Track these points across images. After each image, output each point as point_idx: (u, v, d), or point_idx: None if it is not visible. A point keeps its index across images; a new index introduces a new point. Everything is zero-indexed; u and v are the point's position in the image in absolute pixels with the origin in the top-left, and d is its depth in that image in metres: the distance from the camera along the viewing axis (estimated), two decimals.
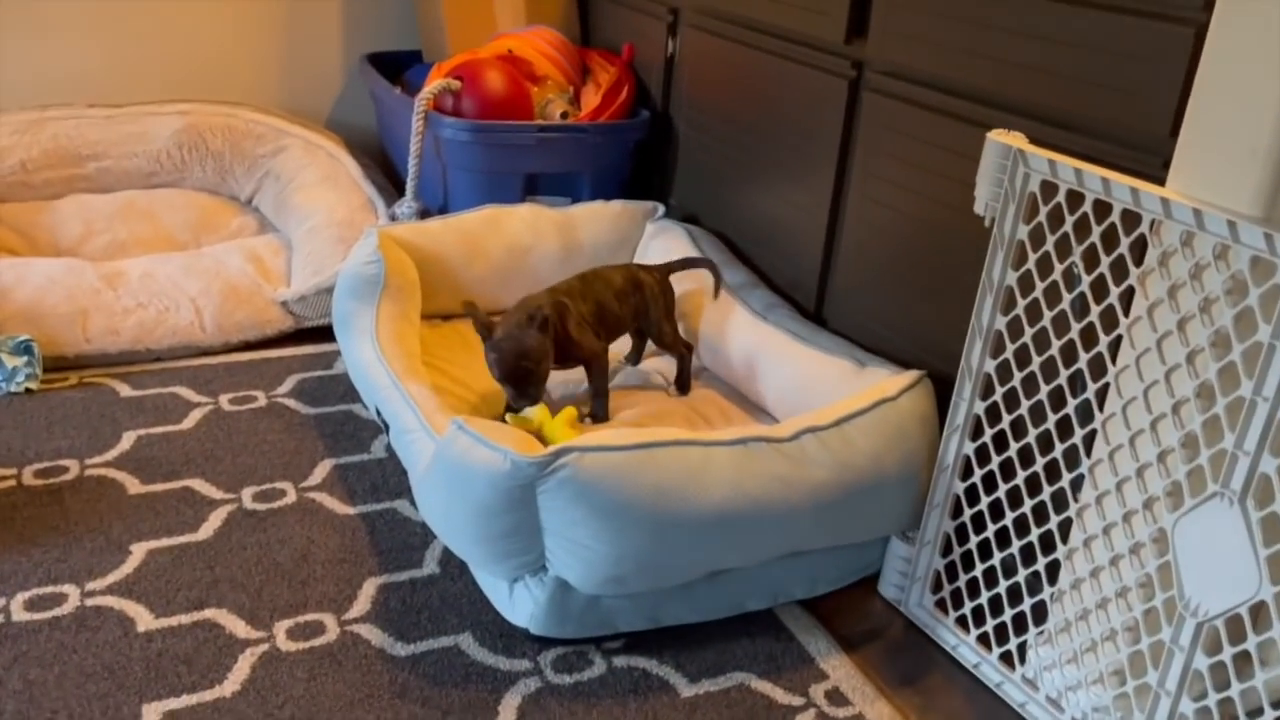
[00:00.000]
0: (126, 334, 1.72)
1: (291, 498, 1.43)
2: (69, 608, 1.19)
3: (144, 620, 1.18)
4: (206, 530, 1.35)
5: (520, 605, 1.20)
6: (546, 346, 1.38)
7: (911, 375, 1.34)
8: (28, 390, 1.61)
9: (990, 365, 1.17)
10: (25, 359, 1.61)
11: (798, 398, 1.46)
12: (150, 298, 1.77)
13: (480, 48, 2.14)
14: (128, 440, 1.52)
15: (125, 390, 1.65)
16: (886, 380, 1.33)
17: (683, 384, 1.63)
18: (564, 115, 2.03)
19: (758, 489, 1.15)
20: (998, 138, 1.11)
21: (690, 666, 1.19)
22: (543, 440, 1.34)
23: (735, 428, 1.27)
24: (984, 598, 1.21)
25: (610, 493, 1.10)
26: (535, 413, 1.41)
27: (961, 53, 1.30)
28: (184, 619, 1.19)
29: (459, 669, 1.16)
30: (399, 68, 2.36)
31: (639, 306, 1.60)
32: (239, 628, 1.19)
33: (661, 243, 1.85)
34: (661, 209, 1.94)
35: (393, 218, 2.00)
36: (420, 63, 2.37)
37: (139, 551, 1.29)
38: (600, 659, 1.19)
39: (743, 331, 1.61)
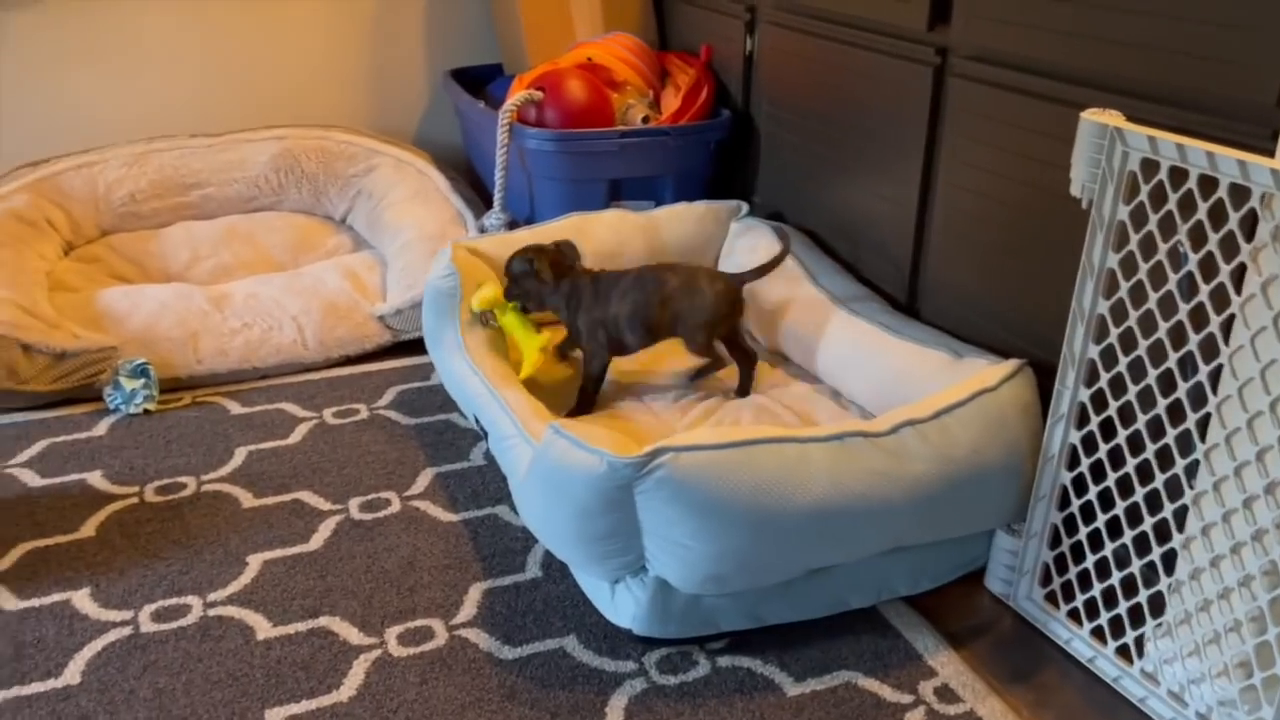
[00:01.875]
0: (234, 354, 1.79)
1: (396, 507, 1.46)
2: (193, 618, 1.24)
3: (263, 629, 1.23)
4: (317, 541, 1.39)
5: (622, 606, 1.21)
6: (541, 273, 1.56)
7: (1011, 364, 1.31)
8: (146, 411, 1.68)
9: (1094, 351, 1.13)
10: (143, 381, 1.69)
11: (893, 392, 1.44)
12: (255, 318, 1.84)
13: (560, 58, 2.16)
14: (240, 456, 1.58)
15: (235, 408, 1.71)
16: (985, 370, 1.31)
17: (743, 390, 1.62)
18: (645, 119, 2.04)
19: (857, 484, 1.14)
20: (1093, 117, 1.08)
21: (795, 665, 1.19)
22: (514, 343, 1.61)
23: (831, 423, 1.26)
24: (1097, 590, 1.18)
25: (707, 491, 1.10)
26: (512, 318, 1.60)
27: (1050, 32, 1.27)
28: (300, 627, 1.23)
29: (565, 671, 1.17)
30: (481, 82, 2.41)
31: (681, 313, 1.55)
32: (352, 634, 1.22)
33: (747, 241, 1.85)
34: (746, 208, 1.93)
35: (482, 229, 2.04)
36: (501, 76, 2.41)
37: (255, 563, 1.34)
38: (704, 659, 1.20)
39: (833, 326, 1.59)
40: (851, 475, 1.14)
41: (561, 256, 1.60)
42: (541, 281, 1.57)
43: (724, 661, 1.19)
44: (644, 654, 1.20)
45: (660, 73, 2.19)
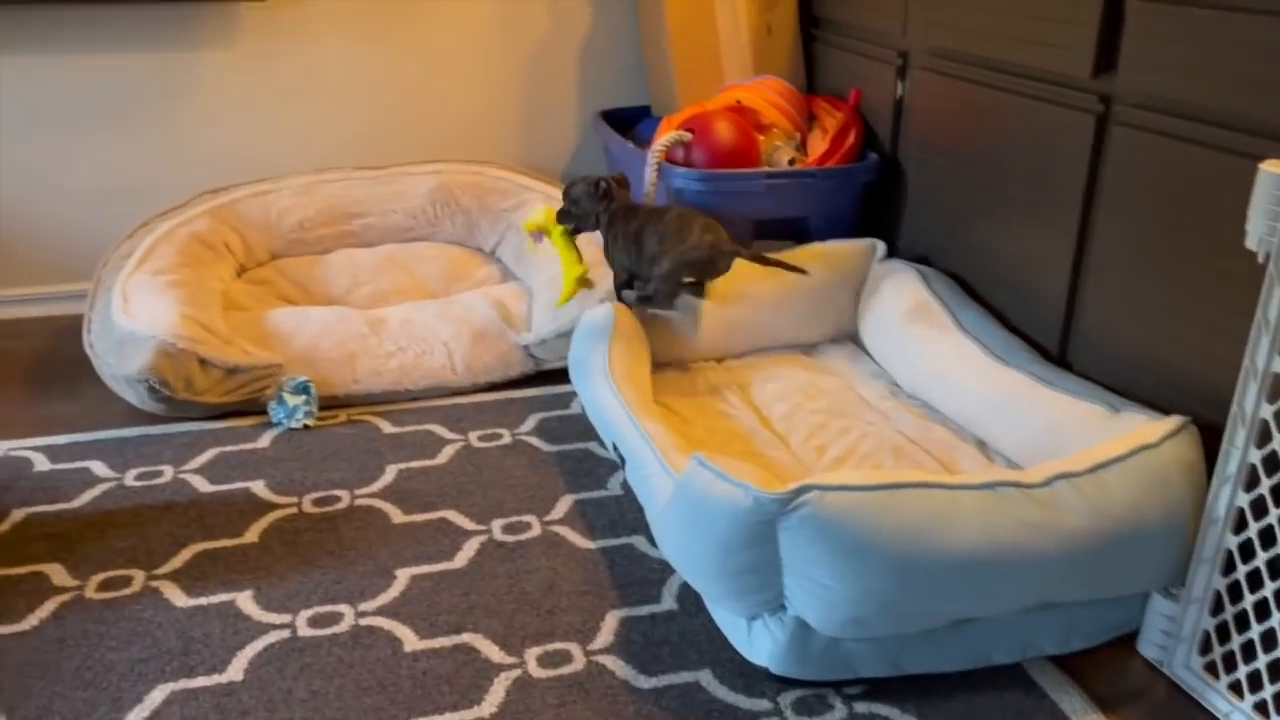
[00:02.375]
0: (388, 375, 1.87)
1: (536, 530, 1.50)
2: (345, 626, 1.30)
3: (410, 641, 1.27)
4: (461, 559, 1.44)
5: (759, 644, 1.21)
6: (612, 190, 1.79)
7: (1174, 421, 1.26)
8: (305, 426, 1.77)
9: (1268, 411, 1.09)
10: (304, 398, 1.78)
11: (1044, 444, 1.41)
12: (409, 342, 1.92)
13: (709, 100, 2.20)
14: (390, 473, 1.65)
15: (387, 427, 1.79)
16: (1145, 426, 1.27)
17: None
18: (791, 161, 2.05)
19: (1007, 535, 1.12)
20: (1272, 168, 1.05)
21: (935, 717, 1.16)
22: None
23: (977, 472, 1.24)
24: (1262, 662, 1.12)
25: (852, 532, 1.09)
26: (561, 241, 1.82)
27: (1225, 80, 1.24)
28: (444, 641, 1.27)
29: (700, 705, 1.18)
30: (628, 123, 2.47)
31: (663, 249, 1.70)
32: (493, 652, 1.26)
33: (891, 284, 1.84)
34: (883, 247, 1.92)
35: None
36: (649, 117, 2.46)
37: (403, 577, 1.40)
38: (841, 703, 1.18)
39: (980, 374, 1.57)
40: (1003, 525, 1.12)
41: (621, 181, 1.83)
42: (606, 197, 1.78)
43: (861, 708, 1.18)
44: (779, 694, 1.20)
45: (808, 116, 2.21)
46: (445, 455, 1.70)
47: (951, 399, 1.63)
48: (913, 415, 1.67)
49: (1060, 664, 1.25)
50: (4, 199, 2.25)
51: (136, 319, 1.78)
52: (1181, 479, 1.21)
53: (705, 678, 1.22)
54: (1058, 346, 1.60)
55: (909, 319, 1.75)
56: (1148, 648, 1.25)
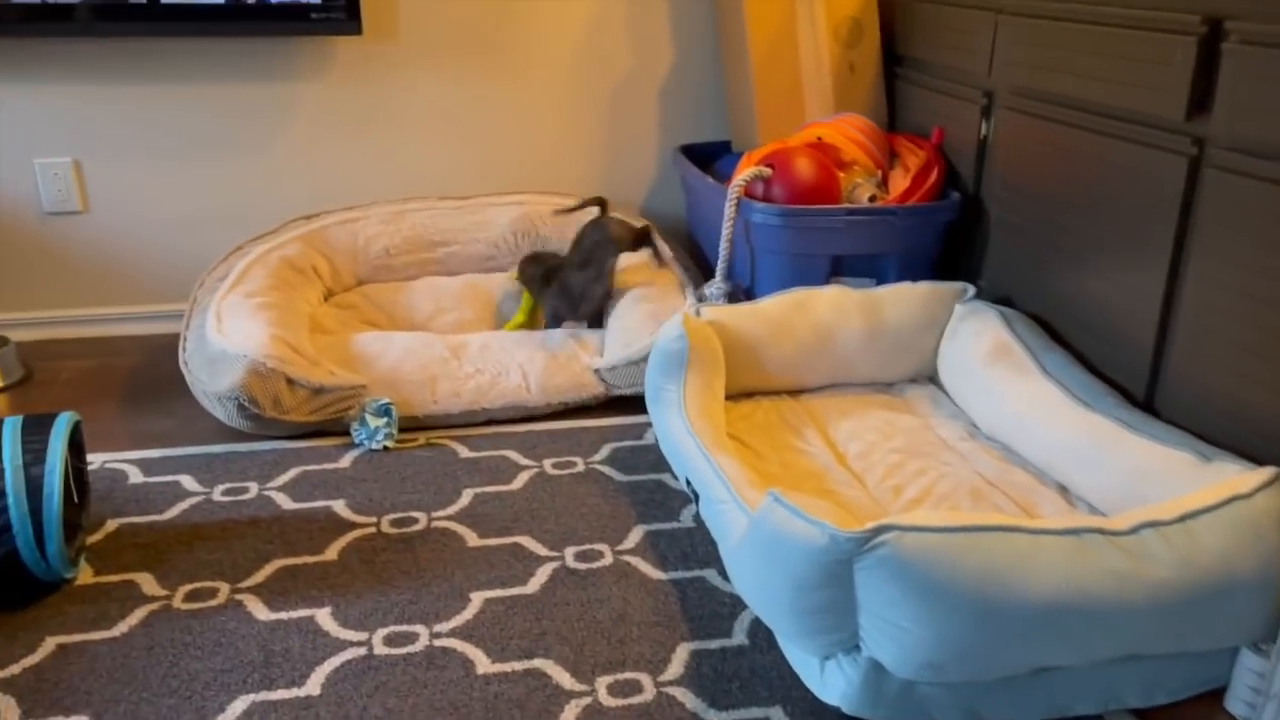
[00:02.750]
0: (466, 396, 1.90)
1: (608, 559, 1.51)
2: (420, 646, 1.32)
3: (482, 663, 1.29)
4: (534, 584, 1.45)
5: (832, 683, 1.19)
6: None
7: (1269, 471, 1.23)
8: (385, 448, 1.81)
9: None
10: (385, 420, 1.82)
11: (1129, 491, 1.38)
12: (486, 365, 1.96)
13: (790, 136, 2.21)
14: (466, 497, 1.67)
15: (464, 451, 1.82)
16: (1238, 476, 1.23)
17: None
18: (871, 199, 2.05)
19: (1091, 583, 1.10)
20: None
21: None
22: None
23: (1064, 516, 1.22)
24: None
25: (931, 574, 1.08)
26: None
27: None
28: (516, 666, 1.29)
29: None
30: (707, 158, 2.49)
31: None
32: (564, 679, 1.26)
33: (972, 324, 1.82)
34: (971, 290, 1.90)
35: (701, 298, 2.09)
36: (728, 153, 2.48)
37: (477, 600, 1.42)
38: None
39: (1064, 418, 1.54)
40: (1087, 573, 1.10)
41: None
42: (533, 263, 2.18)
43: None
44: None
45: (889, 153, 2.21)
46: (520, 481, 1.72)
47: (1032, 442, 1.60)
48: (992, 457, 1.64)
49: (1143, 718, 1.21)
50: (108, 222, 2.35)
51: (229, 338, 1.85)
52: (1275, 531, 1.17)
53: (776, 715, 1.21)
54: (1144, 392, 1.56)
55: (990, 360, 1.73)
56: (1235, 704, 1.21)
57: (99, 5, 2.10)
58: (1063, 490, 1.54)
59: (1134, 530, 1.14)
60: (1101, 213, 1.63)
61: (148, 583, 1.44)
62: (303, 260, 2.16)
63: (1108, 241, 1.62)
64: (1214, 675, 1.23)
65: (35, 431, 1.40)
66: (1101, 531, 1.13)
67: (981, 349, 1.76)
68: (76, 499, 1.54)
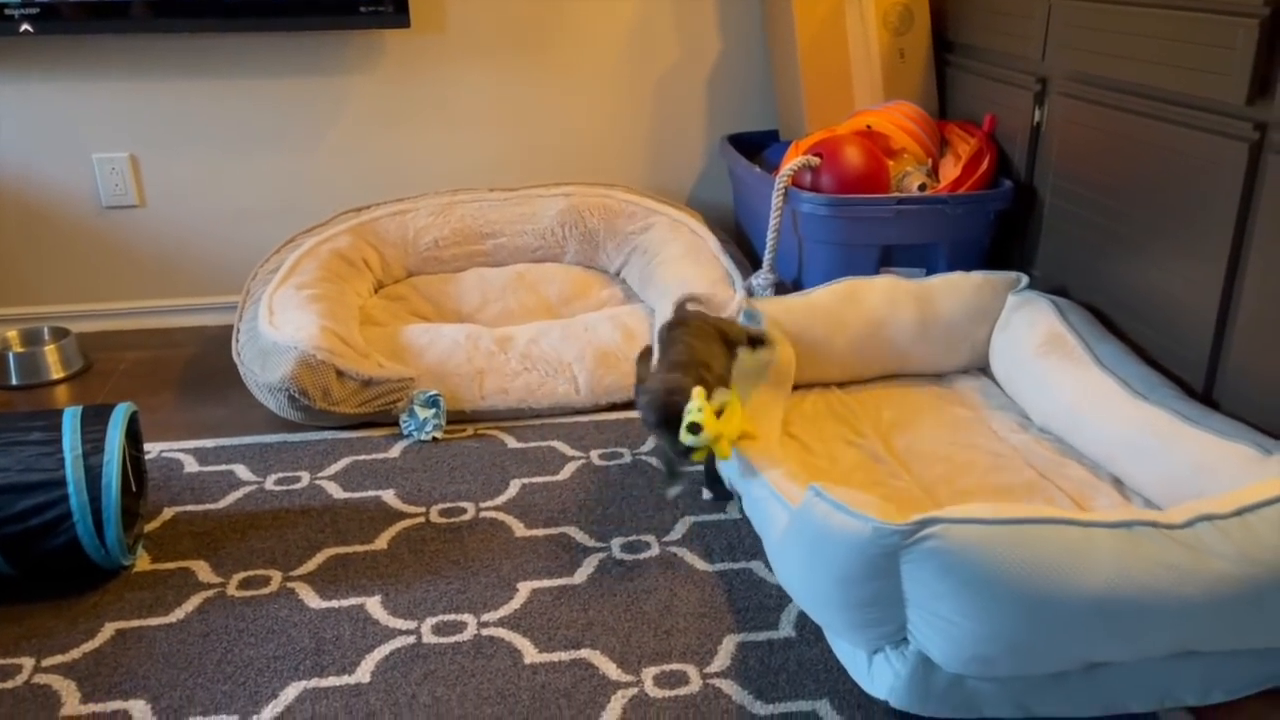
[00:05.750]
0: (514, 394, 1.91)
1: (655, 551, 1.51)
2: (468, 635, 1.33)
3: (529, 653, 1.30)
4: (581, 575, 1.46)
5: (879, 677, 1.18)
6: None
7: None
8: (434, 439, 1.83)
9: None
10: (433, 411, 1.84)
11: (1187, 484, 1.34)
12: (535, 363, 1.96)
13: (838, 125, 2.19)
14: (514, 487, 1.68)
15: (511, 442, 1.83)
16: None
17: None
18: (921, 187, 2.03)
19: (1145, 577, 1.07)
20: None
21: None
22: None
23: (1118, 509, 1.19)
24: None
25: (980, 567, 1.07)
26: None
27: None
28: (563, 656, 1.29)
29: None
30: (755, 147, 2.47)
31: None
32: (610, 669, 1.27)
33: (1025, 315, 1.79)
34: (1025, 280, 1.87)
35: (749, 290, 2.08)
36: (776, 142, 2.46)
37: (524, 590, 1.42)
38: None
39: (1119, 410, 1.51)
40: (1141, 566, 1.07)
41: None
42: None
43: None
44: None
45: (939, 141, 2.18)
46: (567, 472, 1.73)
47: (1086, 435, 1.57)
48: (1045, 450, 1.62)
49: (1200, 716, 1.18)
50: (164, 215, 2.40)
51: (280, 330, 1.87)
52: None
53: (824, 708, 1.20)
54: (1203, 384, 1.53)
55: (1043, 351, 1.70)
56: None
57: (155, 2, 2.14)
58: (1118, 484, 1.51)
59: (1189, 524, 1.12)
60: (1159, 200, 1.60)
61: (203, 570, 1.47)
62: (353, 252, 2.19)
63: (1165, 230, 1.59)
64: (1273, 674, 1.20)
65: (94, 422, 1.43)
66: (1155, 525, 1.11)
67: (1034, 340, 1.73)
68: (134, 488, 1.58)
